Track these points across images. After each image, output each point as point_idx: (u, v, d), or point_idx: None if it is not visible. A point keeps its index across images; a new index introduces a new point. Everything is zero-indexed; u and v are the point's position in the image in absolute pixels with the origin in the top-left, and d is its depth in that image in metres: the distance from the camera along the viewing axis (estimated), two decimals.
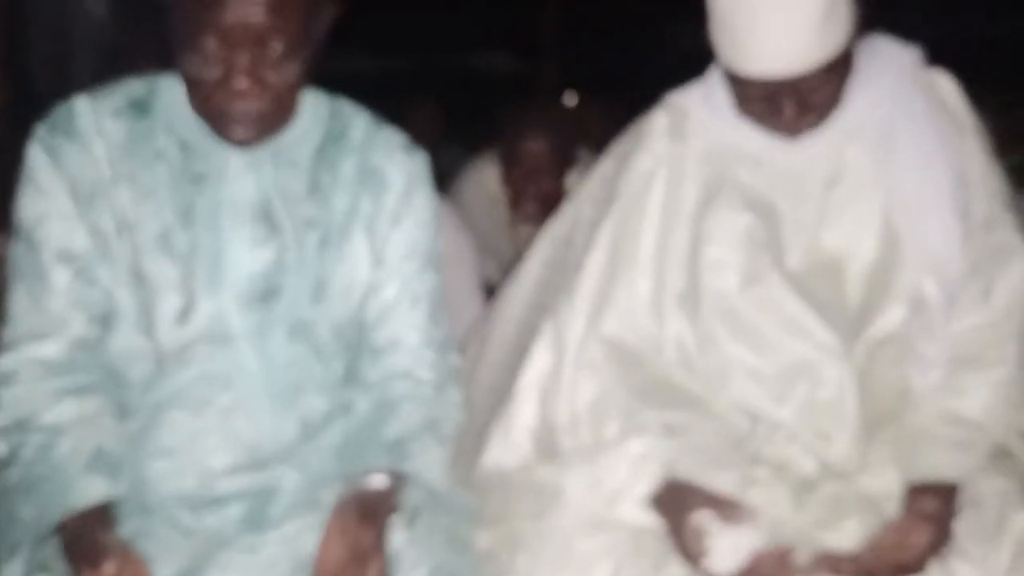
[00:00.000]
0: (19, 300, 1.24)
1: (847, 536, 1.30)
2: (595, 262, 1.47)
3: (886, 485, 1.35)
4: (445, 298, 1.41)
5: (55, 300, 1.23)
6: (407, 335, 1.35)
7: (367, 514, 1.18)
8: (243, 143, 1.23)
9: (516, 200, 2.33)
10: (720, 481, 1.30)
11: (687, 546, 1.27)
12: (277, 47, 1.16)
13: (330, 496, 1.22)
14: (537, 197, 2.26)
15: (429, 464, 1.28)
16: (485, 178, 2.58)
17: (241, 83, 1.17)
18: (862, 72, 1.40)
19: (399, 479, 1.24)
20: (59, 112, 1.25)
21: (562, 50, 7.39)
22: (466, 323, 1.83)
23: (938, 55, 1.46)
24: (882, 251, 1.40)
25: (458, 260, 2.04)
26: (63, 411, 1.20)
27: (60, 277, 1.23)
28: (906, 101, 1.41)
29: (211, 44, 1.15)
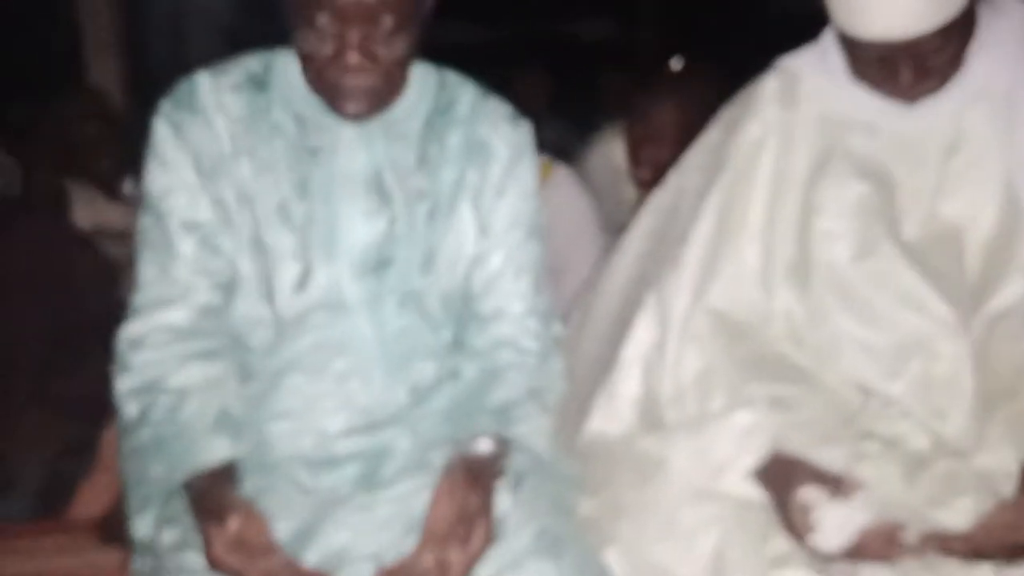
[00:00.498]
0: (147, 268, 1.30)
1: (960, 515, 1.26)
2: (701, 232, 1.45)
3: (1002, 463, 1.30)
4: (564, 265, 1.42)
5: (181, 268, 1.29)
6: (511, 304, 1.37)
7: (474, 477, 1.21)
8: (356, 117, 1.26)
9: (635, 169, 2.27)
10: (828, 456, 1.27)
11: (793, 521, 1.25)
12: (388, 23, 1.19)
13: (439, 458, 1.26)
14: (656, 167, 2.19)
15: (533, 431, 1.30)
16: (611, 151, 2.55)
17: (353, 58, 1.20)
18: (984, 34, 1.33)
19: (504, 444, 1.26)
20: (182, 88, 1.30)
21: (662, 16, 7.24)
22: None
23: None
24: (1003, 222, 1.34)
25: (579, 228, 2.04)
26: (190, 374, 1.26)
27: (186, 246, 1.29)
28: None
29: (324, 20, 1.18)
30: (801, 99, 1.42)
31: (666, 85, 2.33)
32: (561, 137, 4.42)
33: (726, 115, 1.52)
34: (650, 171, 2.17)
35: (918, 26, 1.24)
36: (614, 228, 2.43)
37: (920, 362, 1.31)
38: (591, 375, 1.60)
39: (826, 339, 1.36)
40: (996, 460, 1.31)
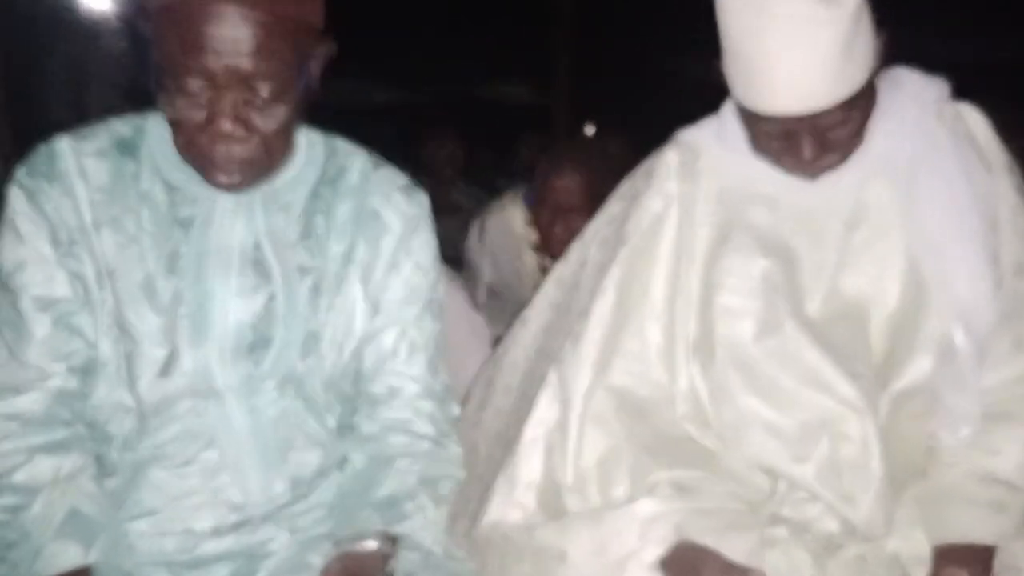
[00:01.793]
0: None
1: None
2: (603, 308, 1.40)
3: (914, 548, 1.27)
4: (449, 347, 1.35)
5: (34, 350, 1.18)
6: (405, 386, 1.29)
7: None
8: (229, 189, 1.17)
9: (545, 240, 2.22)
10: (735, 545, 1.21)
11: None
12: (265, 90, 1.11)
13: (320, 559, 1.16)
14: (566, 238, 2.13)
15: (424, 525, 1.21)
16: (510, 219, 2.51)
17: (226, 126, 1.11)
18: (884, 107, 1.33)
19: (392, 541, 1.17)
20: (39, 153, 1.20)
21: (576, 82, 7.38)
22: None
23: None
24: (907, 297, 1.32)
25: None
26: (38, 469, 1.14)
27: (39, 326, 1.17)
28: (931, 137, 1.33)
29: (195, 85, 1.10)
30: (701, 172, 1.39)
31: (564, 154, 2.29)
32: (474, 202, 4.40)
33: (627, 188, 1.48)
34: (563, 246, 2.10)
35: (820, 101, 1.22)
36: (514, 297, 2.38)
37: (827, 443, 1.27)
38: (494, 452, 1.52)
39: (731, 420, 1.31)
40: (907, 544, 1.28)
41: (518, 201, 2.45)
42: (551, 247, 2.19)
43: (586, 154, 2.31)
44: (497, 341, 1.93)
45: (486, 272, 2.54)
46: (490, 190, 4.73)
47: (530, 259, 2.38)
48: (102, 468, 1.20)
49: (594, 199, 2.04)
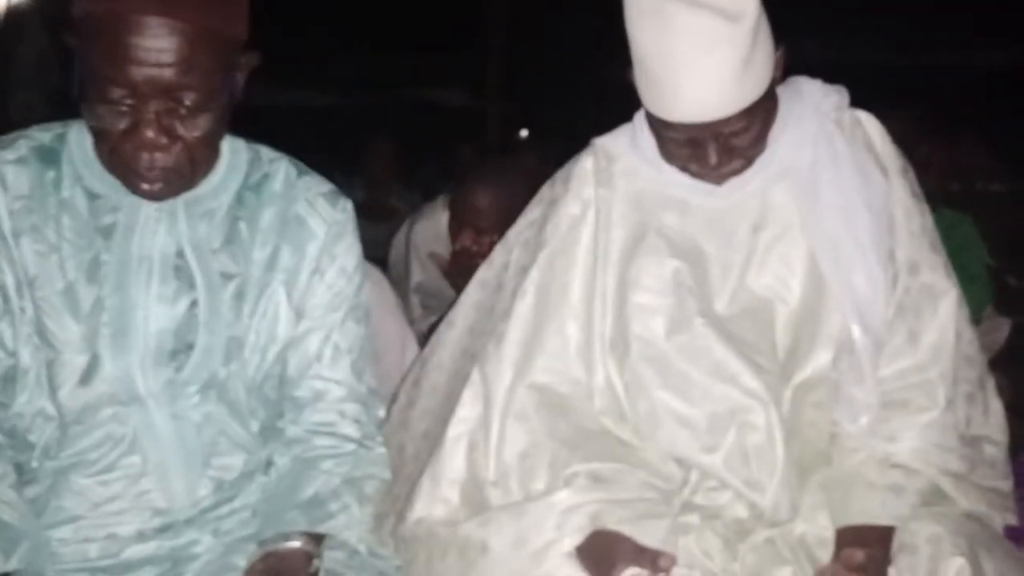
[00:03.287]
0: None
1: None
2: (523, 309, 1.44)
3: (820, 531, 1.34)
4: (377, 347, 1.37)
5: None
6: (330, 389, 1.31)
7: None
8: (152, 197, 1.19)
9: (456, 255, 2.24)
10: (649, 531, 1.27)
11: None
12: (189, 99, 1.12)
13: (245, 560, 1.17)
14: (477, 253, 2.11)
15: (348, 524, 1.23)
16: (438, 222, 2.53)
17: (149, 134, 1.12)
18: (786, 114, 1.40)
19: (316, 541, 1.19)
20: None
21: (508, 87, 7.45)
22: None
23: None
24: (809, 294, 1.39)
25: (386, 311, 1.99)
26: None
27: None
28: (830, 143, 1.41)
29: (118, 95, 1.11)
30: (616, 177, 1.45)
31: (483, 173, 2.31)
32: (411, 207, 4.42)
33: (547, 192, 1.53)
34: (474, 262, 2.10)
35: (722, 109, 1.28)
36: (440, 296, 2.40)
37: (735, 434, 1.33)
38: (421, 451, 1.55)
39: (645, 413, 1.37)
40: (813, 527, 1.35)
41: (446, 205, 2.48)
42: (461, 259, 2.21)
43: (502, 176, 2.31)
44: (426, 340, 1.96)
45: (415, 273, 2.57)
46: (427, 195, 4.76)
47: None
48: (22, 476, 1.19)
49: (506, 219, 2.01)
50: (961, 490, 1.36)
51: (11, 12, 4.26)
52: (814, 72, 1.49)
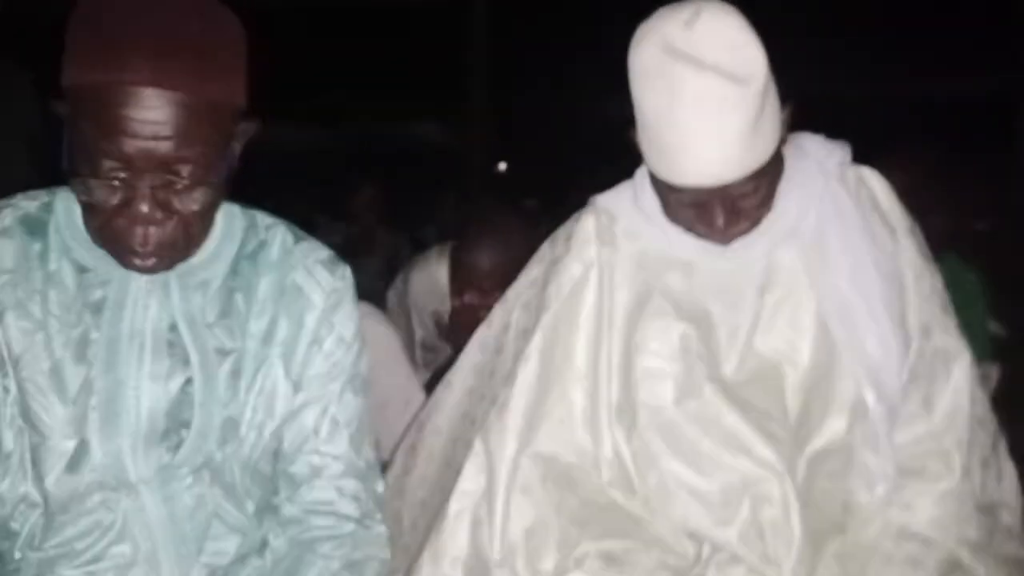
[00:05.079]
0: None
1: None
2: (527, 375, 1.40)
3: None
4: (376, 417, 1.32)
5: None
6: (328, 464, 1.25)
7: None
8: (145, 272, 1.13)
9: (457, 312, 2.18)
10: None
11: None
12: (186, 174, 1.07)
13: None
14: (483, 307, 1.99)
15: None
16: (435, 273, 2.47)
17: (143, 208, 1.07)
18: (791, 174, 1.37)
19: None
20: None
21: (489, 124, 7.46)
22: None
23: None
24: (819, 358, 1.35)
25: (388, 361, 1.94)
26: None
27: None
28: (835, 202, 1.38)
29: (111, 167, 1.05)
30: (619, 237, 1.41)
31: (483, 227, 2.26)
32: (393, 248, 4.39)
33: (547, 252, 1.49)
34: (474, 320, 2.04)
35: (730, 173, 1.25)
36: (433, 351, 2.35)
37: (749, 507, 1.29)
38: (418, 521, 1.50)
39: (656, 485, 1.32)
40: None
41: (444, 256, 2.41)
42: (462, 316, 2.15)
43: (503, 233, 2.24)
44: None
45: (417, 330, 2.50)
46: (410, 234, 4.73)
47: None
48: (4, 567, 1.13)
49: (507, 279, 1.94)
50: (980, 560, 1.32)
51: None
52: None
